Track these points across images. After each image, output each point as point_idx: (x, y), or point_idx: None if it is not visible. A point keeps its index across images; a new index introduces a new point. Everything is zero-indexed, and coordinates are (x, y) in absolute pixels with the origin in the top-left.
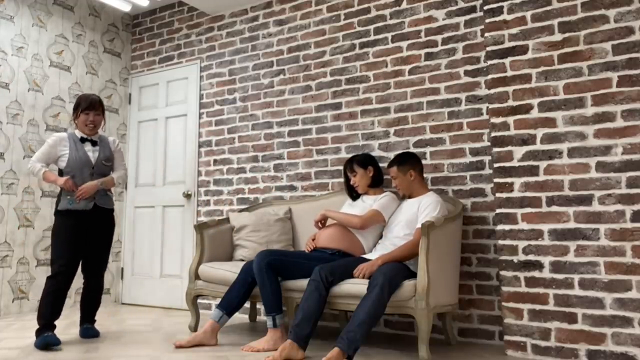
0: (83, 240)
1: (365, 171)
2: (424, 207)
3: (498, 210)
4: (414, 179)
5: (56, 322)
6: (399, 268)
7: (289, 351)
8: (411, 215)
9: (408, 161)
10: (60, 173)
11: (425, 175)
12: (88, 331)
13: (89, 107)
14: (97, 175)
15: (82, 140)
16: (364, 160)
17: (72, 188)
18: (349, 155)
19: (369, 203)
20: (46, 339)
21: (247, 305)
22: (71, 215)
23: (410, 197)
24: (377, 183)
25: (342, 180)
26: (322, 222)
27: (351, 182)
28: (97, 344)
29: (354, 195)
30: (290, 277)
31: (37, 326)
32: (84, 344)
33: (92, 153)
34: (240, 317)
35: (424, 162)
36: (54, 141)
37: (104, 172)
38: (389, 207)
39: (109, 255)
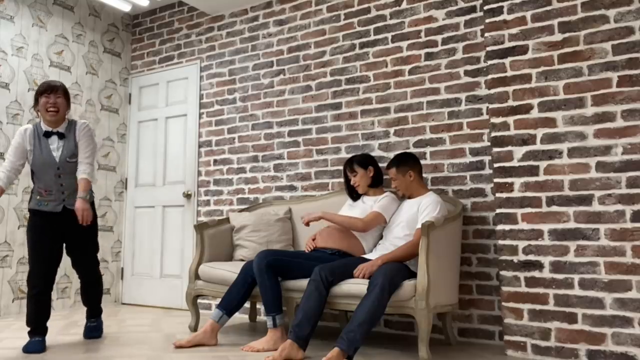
0: (57, 239)
1: (365, 171)
2: (424, 208)
3: (498, 210)
4: (413, 180)
5: (57, 322)
6: (399, 268)
7: (289, 351)
8: (411, 216)
9: (407, 162)
10: (31, 170)
11: (425, 175)
12: (90, 331)
13: (47, 89)
14: (64, 176)
15: (47, 134)
16: (364, 160)
17: None
18: (349, 155)
19: (369, 204)
20: (29, 347)
21: (247, 305)
22: (42, 215)
23: (410, 197)
24: (377, 183)
25: (342, 180)
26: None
27: (351, 182)
28: (97, 344)
29: (354, 195)
30: (290, 277)
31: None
32: (84, 344)
33: (56, 151)
34: (240, 317)
35: (423, 162)
36: (16, 135)
37: (70, 170)
38: (389, 208)
39: (97, 246)
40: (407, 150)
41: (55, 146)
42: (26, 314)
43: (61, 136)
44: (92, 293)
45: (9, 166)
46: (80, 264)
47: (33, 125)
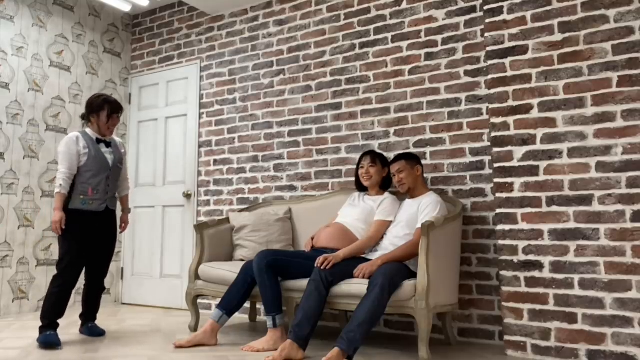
0: (90, 241)
1: (383, 169)
2: (424, 207)
3: (498, 210)
4: (419, 175)
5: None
6: (399, 268)
7: (289, 351)
8: (411, 215)
9: (414, 158)
10: (78, 171)
11: (425, 175)
12: (94, 330)
13: (118, 110)
14: (112, 179)
15: (98, 141)
16: (384, 159)
17: (57, 232)
18: (349, 155)
19: (370, 204)
20: (49, 338)
21: (247, 305)
22: (82, 215)
23: (411, 197)
24: (385, 186)
25: (341, 180)
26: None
27: (364, 171)
28: (97, 344)
29: (360, 186)
30: (290, 277)
31: (38, 325)
32: (84, 344)
33: (108, 155)
34: (240, 317)
35: (423, 162)
36: (67, 144)
37: (117, 175)
38: (392, 210)
39: (111, 258)
40: (408, 151)
41: (106, 151)
42: (43, 308)
43: (107, 144)
44: (98, 299)
45: (69, 173)
46: (96, 270)
47: (80, 132)
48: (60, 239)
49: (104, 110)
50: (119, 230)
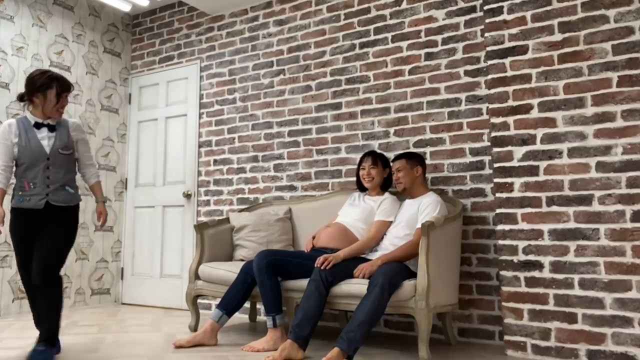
0: (35, 239)
1: (384, 170)
2: (424, 207)
3: (498, 210)
4: (418, 176)
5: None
6: (399, 268)
7: (289, 351)
8: (411, 215)
9: (416, 158)
10: (15, 164)
11: (425, 176)
12: (37, 356)
13: (68, 88)
14: (54, 168)
15: (37, 125)
16: (386, 160)
17: None
18: (349, 155)
19: (370, 204)
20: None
21: (247, 305)
22: (22, 213)
23: (411, 196)
24: (386, 186)
25: (341, 180)
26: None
27: (365, 172)
28: (97, 344)
29: (361, 187)
30: (290, 277)
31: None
32: (84, 344)
33: (47, 141)
34: (240, 317)
35: None
36: (2, 133)
37: (62, 163)
38: (392, 210)
39: (64, 257)
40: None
41: (46, 136)
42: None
43: (52, 128)
44: (51, 312)
45: (3, 166)
46: (36, 268)
47: (17, 119)
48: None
49: (51, 89)
50: (96, 223)
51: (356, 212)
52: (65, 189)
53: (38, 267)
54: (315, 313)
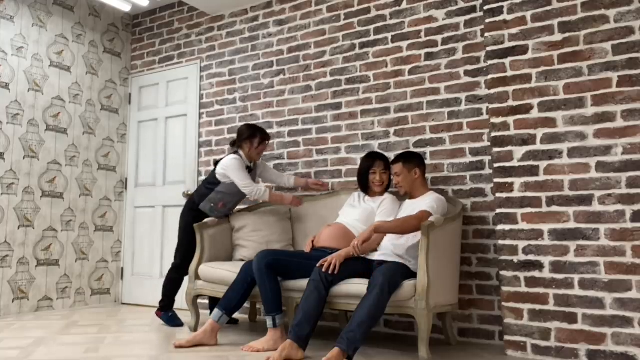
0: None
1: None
2: (430, 202)
3: (498, 210)
4: (417, 178)
5: (57, 322)
6: (398, 268)
7: (289, 351)
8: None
9: (413, 160)
10: (215, 182)
11: (425, 175)
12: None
13: (268, 138)
14: (238, 201)
15: (248, 169)
16: (388, 162)
17: (298, 204)
18: (349, 155)
19: (371, 205)
20: (173, 320)
21: (247, 305)
22: (202, 218)
23: (411, 197)
24: (387, 187)
25: (342, 180)
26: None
27: (377, 178)
28: (97, 344)
29: (364, 187)
30: (290, 277)
31: (37, 325)
32: (84, 344)
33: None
34: (240, 317)
35: None
36: (241, 164)
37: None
38: (392, 211)
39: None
40: (410, 151)
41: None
42: (165, 294)
43: (250, 170)
44: None
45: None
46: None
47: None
48: (184, 231)
49: (256, 138)
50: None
51: (356, 213)
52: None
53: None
54: (315, 313)
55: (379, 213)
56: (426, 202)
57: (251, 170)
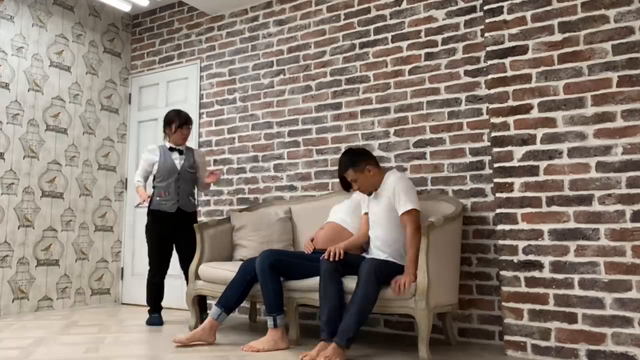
0: (169, 236)
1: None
2: (397, 194)
3: (498, 210)
4: (373, 174)
5: (57, 322)
6: (384, 261)
7: (330, 353)
8: (387, 206)
9: (359, 159)
10: (153, 177)
11: (425, 175)
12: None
13: (188, 122)
14: (182, 181)
15: (171, 149)
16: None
17: (143, 198)
18: None
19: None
20: (151, 321)
21: (247, 305)
22: (159, 214)
23: (375, 189)
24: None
25: None
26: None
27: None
28: (97, 344)
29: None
30: (292, 278)
31: (37, 325)
32: (84, 344)
33: (178, 161)
34: (240, 316)
35: (424, 162)
36: (146, 156)
37: (187, 177)
38: (356, 208)
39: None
40: (361, 146)
41: (177, 157)
42: (146, 297)
43: (180, 152)
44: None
45: (143, 174)
46: (187, 261)
47: (158, 145)
48: (146, 237)
49: (173, 124)
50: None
51: (342, 208)
52: (189, 199)
53: (185, 263)
54: (340, 305)
55: (364, 206)
56: (397, 197)
57: (181, 153)
